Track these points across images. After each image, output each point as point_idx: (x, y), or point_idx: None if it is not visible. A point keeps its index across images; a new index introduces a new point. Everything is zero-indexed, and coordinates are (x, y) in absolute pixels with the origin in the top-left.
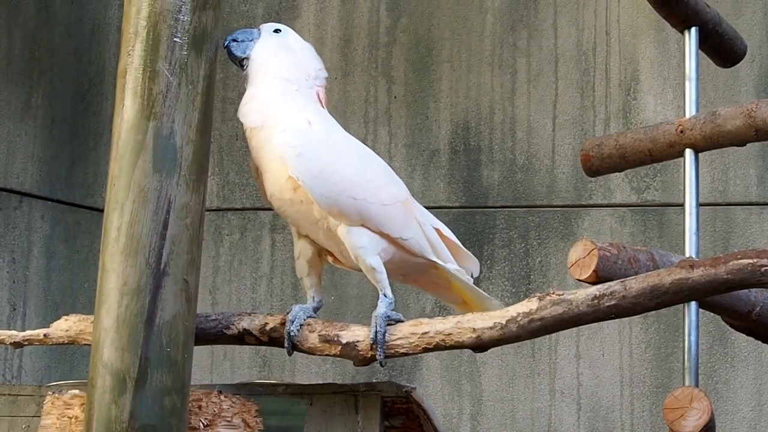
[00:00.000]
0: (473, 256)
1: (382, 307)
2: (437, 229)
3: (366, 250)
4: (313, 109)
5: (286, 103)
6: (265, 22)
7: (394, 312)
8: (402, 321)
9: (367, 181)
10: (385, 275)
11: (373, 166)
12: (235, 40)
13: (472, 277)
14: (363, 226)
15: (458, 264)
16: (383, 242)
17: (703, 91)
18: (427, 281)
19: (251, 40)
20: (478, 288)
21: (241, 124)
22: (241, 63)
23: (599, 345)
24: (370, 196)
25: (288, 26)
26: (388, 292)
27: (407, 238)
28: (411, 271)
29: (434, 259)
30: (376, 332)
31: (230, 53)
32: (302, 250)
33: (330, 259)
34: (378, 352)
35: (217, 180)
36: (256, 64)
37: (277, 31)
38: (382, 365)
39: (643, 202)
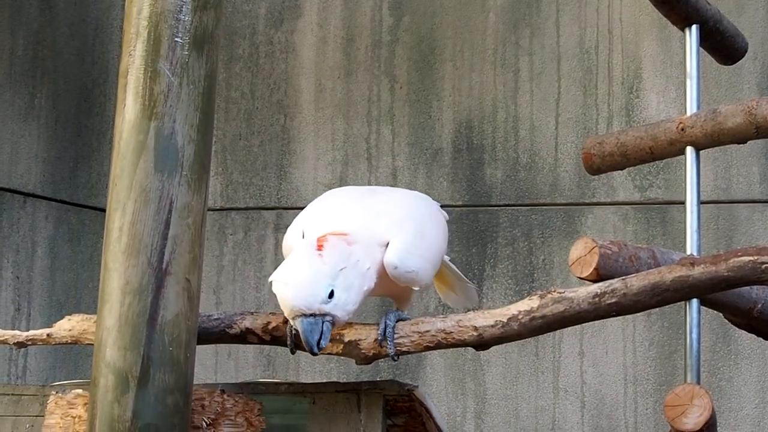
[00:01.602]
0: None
1: (393, 311)
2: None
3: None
4: (360, 247)
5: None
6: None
7: (404, 314)
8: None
9: (440, 234)
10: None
11: (442, 228)
12: (319, 344)
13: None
14: None
15: (461, 293)
16: None
17: (706, 89)
18: None
19: (324, 329)
20: (459, 272)
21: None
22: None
23: (603, 343)
24: (443, 242)
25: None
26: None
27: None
28: None
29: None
30: (385, 326)
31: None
32: None
33: None
34: (388, 346)
35: (221, 180)
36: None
37: (330, 296)
38: (394, 359)
39: (646, 200)
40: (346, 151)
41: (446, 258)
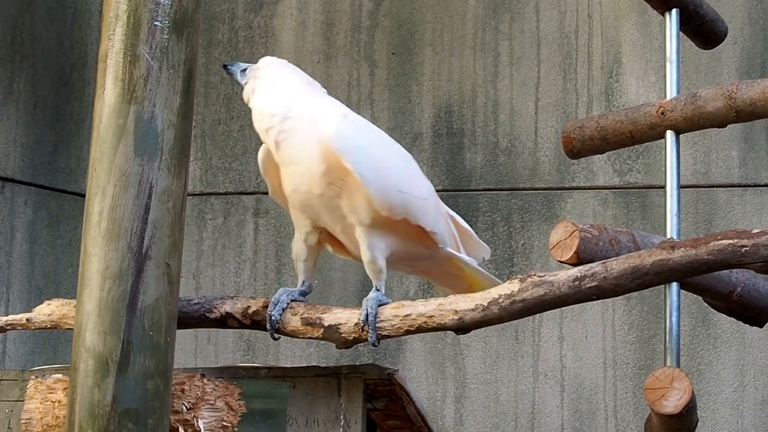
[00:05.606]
0: (483, 243)
1: (373, 293)
2: (451, 217)
3: (379, 252)
4: (339, 103)
5: (313, 95)
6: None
7: (384, 297)
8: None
9: (411, 175)
10: (385, 274)
11: (410, 159)
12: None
13: (483, 260)
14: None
15: (468, 252)
16: (396, 243)
17: (686, 74)
18: (437, 271)
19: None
20: (489, 274)
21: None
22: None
23: (582, 327)
24: (414, 189)
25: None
26: (383, 288)
27: (438, 231)
28: (423, 262)
29: (453, 252)
30: (367, 314)
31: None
32: (307, 235)
33: (330, 248)
34: (369, 333)
35: (200, 164)
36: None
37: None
38: (374, 345)
39: (625, 184)
40: None
41: (479, 267)
